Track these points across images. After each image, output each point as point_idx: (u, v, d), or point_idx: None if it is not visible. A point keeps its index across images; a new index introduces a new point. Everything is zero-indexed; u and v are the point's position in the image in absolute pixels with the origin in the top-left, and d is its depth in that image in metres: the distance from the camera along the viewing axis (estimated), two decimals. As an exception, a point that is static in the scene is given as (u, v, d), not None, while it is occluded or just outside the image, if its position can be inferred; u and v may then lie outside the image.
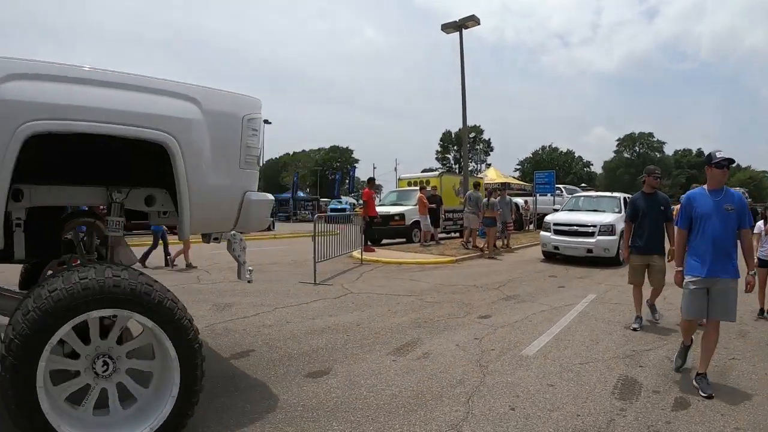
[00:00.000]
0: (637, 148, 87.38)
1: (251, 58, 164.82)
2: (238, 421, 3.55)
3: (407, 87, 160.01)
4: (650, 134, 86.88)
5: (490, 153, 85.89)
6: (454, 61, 20.01)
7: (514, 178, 43.76)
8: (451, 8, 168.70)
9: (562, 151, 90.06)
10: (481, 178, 26.66)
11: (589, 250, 12.69)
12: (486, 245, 15.00)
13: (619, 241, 11.81)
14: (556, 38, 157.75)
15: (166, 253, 12.26)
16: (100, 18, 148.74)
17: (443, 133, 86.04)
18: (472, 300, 8.12)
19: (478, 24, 19.21)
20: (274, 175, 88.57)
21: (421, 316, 6.86)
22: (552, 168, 57.67)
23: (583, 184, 41.90)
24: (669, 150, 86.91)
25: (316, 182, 78.03)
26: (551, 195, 24.29)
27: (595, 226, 12.76)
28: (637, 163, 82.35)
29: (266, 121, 51.93)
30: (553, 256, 13.71)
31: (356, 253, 13.55)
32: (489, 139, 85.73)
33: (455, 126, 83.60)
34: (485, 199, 15.20)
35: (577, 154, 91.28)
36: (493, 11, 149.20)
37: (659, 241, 6.57)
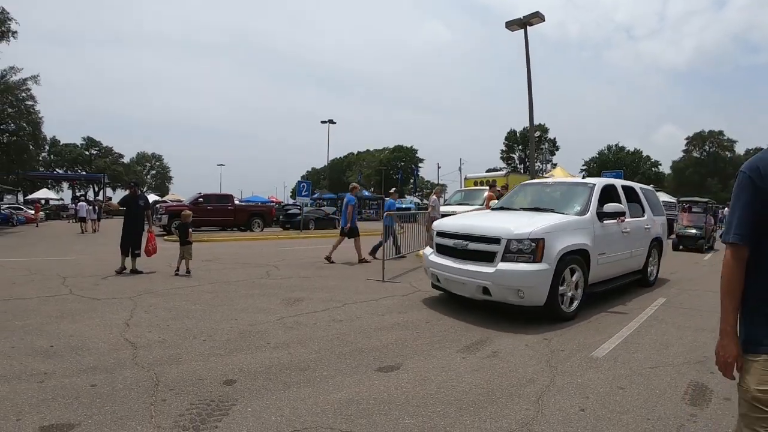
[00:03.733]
0: (707, 147, 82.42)
1: (317, 62, 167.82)
2: (310, 411, 3.69)
3: (471, 86, 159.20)
4: (720, 132, 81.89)
5: (556, 152, 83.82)
6: (517, 59, 19.74)
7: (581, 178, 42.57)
8: (514, 5, 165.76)
9: (629, 151, 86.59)
10: (548, 178, 26.10)
11: (485, 290, 6.46)
12: None
13: (557, 274, 6.42)
14: (622, 31, 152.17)
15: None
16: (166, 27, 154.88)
17: (508, 132, 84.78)
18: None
19: (543, 21, 18.68)
20: (338, 174, 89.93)
21: (489, 315, 6.84)
22: (619, 168, 55.64)
23: (652, 185, 40.27)
24: (740, 149, 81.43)
25: (381, 182, 78.64)
26: None
27: (498, 240, 6.49)
28: (707, 163, 78.31)
29: (331, 121, 52.98)
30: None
31: (422, 252, 13.46)
32: (554, 139, 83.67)
33: (519, 125, 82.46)
34: None
35: (644, 154, 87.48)
36: (557, 5, 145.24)
37: None
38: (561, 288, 6.58)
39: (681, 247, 18.34)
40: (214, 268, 11.24)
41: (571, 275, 6.81)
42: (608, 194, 8.42)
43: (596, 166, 77.90)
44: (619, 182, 9.27)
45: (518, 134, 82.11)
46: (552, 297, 6.40)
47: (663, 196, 26.24)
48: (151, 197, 57.29)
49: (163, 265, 11.07)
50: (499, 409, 3.81)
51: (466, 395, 4.07)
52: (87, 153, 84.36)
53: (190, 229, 10.74)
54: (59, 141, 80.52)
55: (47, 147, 68.75)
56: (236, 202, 26.94)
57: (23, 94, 41.93)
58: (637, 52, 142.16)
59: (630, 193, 9.42)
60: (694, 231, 18.52)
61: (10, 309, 6.41)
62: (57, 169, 77.38)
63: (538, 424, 3.55)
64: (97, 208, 27.80)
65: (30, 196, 48.10)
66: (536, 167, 22.98)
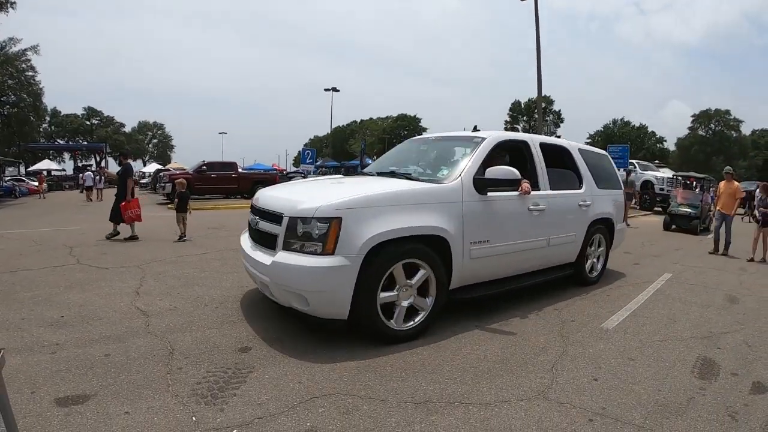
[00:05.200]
0: (712, 126, 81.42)
1: (318, 28, 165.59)
2: (328, 377, 3.71)
3: (477, 57, 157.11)
4: (727, 111, 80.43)
5: (561, 124, 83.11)
6: (525, 30, 19.42)
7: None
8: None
9: (634, 126, 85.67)
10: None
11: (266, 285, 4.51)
12: None
13: (370, 273, 4.21)
14: (632, 5, 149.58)
15: None
16: None
17: (512, 103, 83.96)
18: (548, 271, 7.99)
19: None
20: (341, 142, 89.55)
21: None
22: (623, 142, 55.24)
23: (656, 161, 39.95)
24: (746, 129, 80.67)
25: (383, 150, 78.31)
26: (623, 170, 23.18)
27: (280, 218, 4.43)
28: (713, 141, 77.39)
29: (334, 89, 52.39)
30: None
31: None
32: (559, 111, 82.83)
33: (524, 96, 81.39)
34: None
35: (650, 129, 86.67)
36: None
37: None
38: (387, 294, 4.39)
39: (673, 226, 16.68)
40: (221, 235, 11.22)
41: (410, 276, 4.53)
42: (517, 156, 6.38)
43: (601, 139, 77.15)
44: (537, 139, 6.56)
45: (523, 105, 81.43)
46: (364, 308, 4.22)
47: (668, 173, 25.69)
48: (153, 166, 57.22)
49: (169, 233, 11.10)
50: (514, 376, 3.85)
51: (481, 363, 4.11)
52: (88, 123, 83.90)
53: (189, 198, 11.01)
54: (60, 112, 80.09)
55: (48, 118, 68.58)
56: (239, 170, 26.86)
57: (23, 65, 41.58)
58: (648, 26, 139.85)
59: (556, 155, 6.85)
60: (688, 210, 16.57)
61: (18, 281, 6.39)
62: (58, 140, 77.06)
63: (553, 392, 3.60)
64: (101, 176, 28.26)
65: (32, 168, 47.96)
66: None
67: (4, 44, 39.27)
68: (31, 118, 45.79)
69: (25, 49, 40.82)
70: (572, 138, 9.56)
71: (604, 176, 7.60)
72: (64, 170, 54.98)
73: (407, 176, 5.48)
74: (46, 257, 8.14)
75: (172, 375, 3.66)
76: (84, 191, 27.20)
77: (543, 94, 19.43)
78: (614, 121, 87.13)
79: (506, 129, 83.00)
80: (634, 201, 16.28)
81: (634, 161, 26.06)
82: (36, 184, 33.53)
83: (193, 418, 3.06)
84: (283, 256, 4.20)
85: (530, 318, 5.44)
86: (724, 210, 11.32)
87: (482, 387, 3.64)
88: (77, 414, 3.06)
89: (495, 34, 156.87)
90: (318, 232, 4.08)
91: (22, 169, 46.73)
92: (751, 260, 10.41)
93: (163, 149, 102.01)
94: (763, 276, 8.80)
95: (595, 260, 7.37)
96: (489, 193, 5.18)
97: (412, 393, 3.50)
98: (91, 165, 47.26)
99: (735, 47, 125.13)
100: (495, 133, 5.93)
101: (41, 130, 61.26)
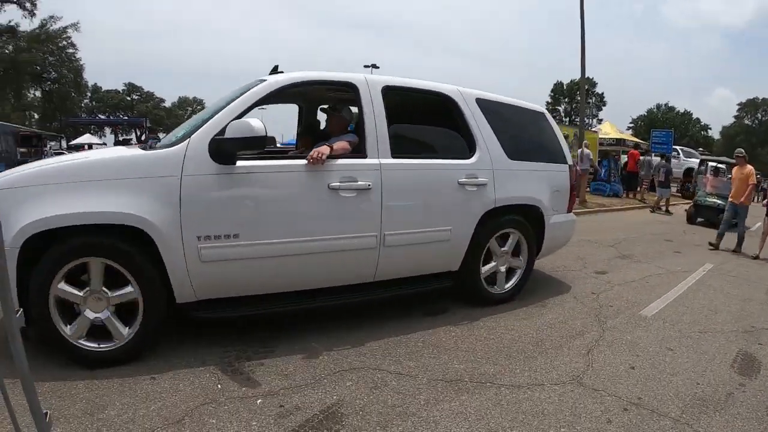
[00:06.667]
0: (759, 116, 78.27)
1: (362, 5, 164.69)
2: (358, 351, 3.67)
3: (518, 36, 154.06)
4: None
5: (603, 107, 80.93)
6: (567, 8, 18.79)
7: (629, 135, 41.02)
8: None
9: (678, 111, 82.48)
10: (596, 132, 25.16)
11: None
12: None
13: None
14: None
15: None
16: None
17: (554, 84, 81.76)
18: (587, 254, 7.87)
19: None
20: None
21: (536, 265, 6.67)
22: (667, 128, 53.73)
23: (700, 149, 38.40)
24: None
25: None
26: (660, 155, 22.21)
27: None
28: (759, 132, 74.51)
29: (374, 66, 52.20)
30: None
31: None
32: (602, 93, 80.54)
33: (566, 77, 79.41)
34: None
35: (694, 116, 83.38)
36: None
37: None
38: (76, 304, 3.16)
39: (699, 219, 13.72)
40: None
41: (112, 285, 3.20)
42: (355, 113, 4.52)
43: (644, 124, 74.96)
44: (379, 81, 4.30)
45: (565, 87, 79.49)
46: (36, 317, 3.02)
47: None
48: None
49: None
50: (549, 359, 3.74)
51: (515, 343, 4.01)
52: (128, 98, 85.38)
53: None
54: (101, 87, 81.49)
55: (89, 93, 69.92)
56: (278, 145, 26.93)
57: (64, 42, 42.37)
58: (695, 8, 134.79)
59: (431, 107, 4.90)
60: (717, 201, 13.31)
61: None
62: (99, 115, 78.73)
63: (588, 378, 3.47)
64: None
65: (73, 142, 49.14)
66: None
67: (44, 22, 39.99)
68: (72, 94, 46.76)
69: (66, 27, 41.54)
70: (614, 121, 8.82)
71: (531, 143, 5.28)
72: (104, 144, 56.21)
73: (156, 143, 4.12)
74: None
75: (199, 342, 3.66)
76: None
77: (586, 76, 18.83)
78: (658, 106, 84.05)
79: (547, 111, 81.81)
80: (676, 189, 15.61)
81: (677, 147, 25.19)
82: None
83: (219, 386, 3.05)
84: None
85: (567, 301, 5.30)
86: (734, 199, 9.69)
87: (515, 368, 3.54)
88: (102, 377, 3.08)
89: (537, 12, 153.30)
90: None
91: (64, 143, 47.91)
92: (756, 257, 9.11)
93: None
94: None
95: (499, 267, 4.94)
96: (241, 163, 3.46)
97: (444, 371, 3.43)
98: (131, 139, 48.08)
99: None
100: (295, 74, 4.01)
101: (82, 105, 62.59)
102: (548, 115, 5.71)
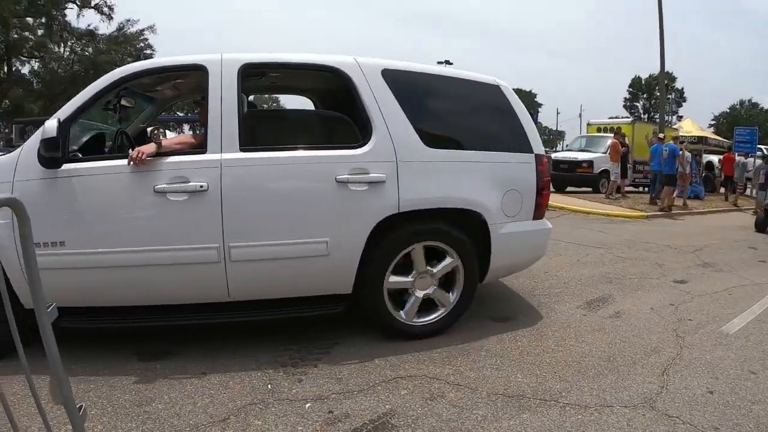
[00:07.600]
0: None
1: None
2: (417, 358, 3.54)
3: (593, 29, 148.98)
4: None
5: (683, 104, 76.70)
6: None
7: (711, 132, 38.68)
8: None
9: (763, 108, 76.57)
10: (676, 129, 23.88)
11: None
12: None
13: None
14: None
15: None
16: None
17: (633, 79, 77.92)
18: (666, 261, 7.35)
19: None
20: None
21: (611, 270, 6.39)
22: (751, 126, 50.33)
23: None
24: None
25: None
26: (750, 155, 20.15)
27: None
28: None
29: (447, 62, 51.91)
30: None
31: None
32: (682, 89, 76.20)
33: (644, 72, 75.74)
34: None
35: (781, 114, 77.73)
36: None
37: None
38: None
39: None
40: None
41: None
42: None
43: (726, 122, 70.56)
44: (236, 60, 3.50)
45: (643, 81, 75.80)
46: None
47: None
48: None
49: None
50: (620, 378, 3.43)
51: (585, 358, 3.72)
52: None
53: None
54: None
55: (168, 91, 73.35)
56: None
57: (141, 44, 44.24)
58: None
59: (317, 86, 4.72)
60: None
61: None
62: (177, 113, 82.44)
63: (662, 401, 3.14)
64: None
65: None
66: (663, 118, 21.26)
67: (122, 25, 41.75)
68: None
69: (143, 30, 43.29)
70: (695, 118, 8.06)
71: (473, 126, 4.14)
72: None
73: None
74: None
75: (254, 341, 3.63)
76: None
77: (665, 71, 17.88)
78: (741, 103, 78.96)
79: (624, 107, 78.41)
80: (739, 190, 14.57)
81: (762, 147, 23.60)
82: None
83: (269, 386, 3.01)
84: None
85: (643, 312, 4.91)
86: None
87: (583, 386, 3.27)
88: (153, 370, 3.10)
89: (612, 4, 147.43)
90: None
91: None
92: None
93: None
94: None
95: (429, 291, 3.84)
96: (67, 166, 3.15)
97: (505, 384, 3.23)
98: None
99: None
100: (135, 64, 3.62)
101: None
102: (506, 89, 4.25)
